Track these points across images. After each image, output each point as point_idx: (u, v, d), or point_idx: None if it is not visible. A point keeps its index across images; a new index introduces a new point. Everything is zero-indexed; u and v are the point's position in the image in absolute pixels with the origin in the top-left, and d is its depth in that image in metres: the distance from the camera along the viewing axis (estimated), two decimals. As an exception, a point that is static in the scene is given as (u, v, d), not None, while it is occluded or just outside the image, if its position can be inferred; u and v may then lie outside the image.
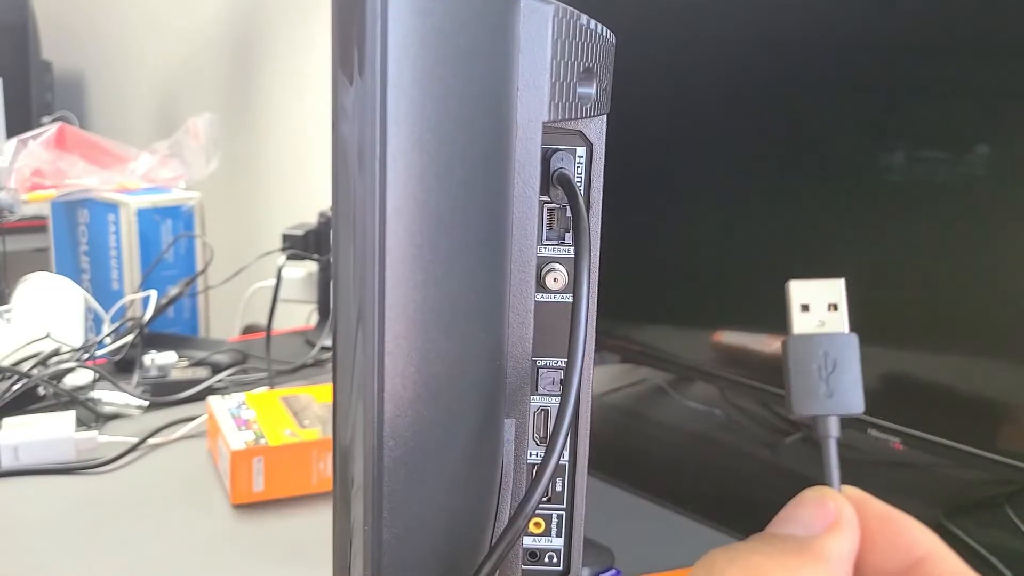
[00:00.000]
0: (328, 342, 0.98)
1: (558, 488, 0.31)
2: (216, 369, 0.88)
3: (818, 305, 0.23)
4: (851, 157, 0.57)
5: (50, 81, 2.13)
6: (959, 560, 0.20)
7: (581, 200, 0.28)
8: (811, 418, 0.23)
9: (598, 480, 0.68)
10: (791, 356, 0.23)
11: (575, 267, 0.27)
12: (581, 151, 0.29)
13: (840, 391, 0.22)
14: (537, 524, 0.31)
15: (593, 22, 0.28)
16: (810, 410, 0.23)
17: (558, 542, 0.31)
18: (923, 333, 0.55)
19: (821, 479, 0.23)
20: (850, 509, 0.21)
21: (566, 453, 0.30)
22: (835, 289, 0.23)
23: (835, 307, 0.23)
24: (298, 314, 1.11)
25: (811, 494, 0.21)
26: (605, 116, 0.29)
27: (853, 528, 0.20)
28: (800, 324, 0.23)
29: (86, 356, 0.86)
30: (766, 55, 0.61)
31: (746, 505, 0.65)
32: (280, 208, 1.68)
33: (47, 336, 0.85)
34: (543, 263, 0.29)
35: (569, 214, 0.29)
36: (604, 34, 0.29)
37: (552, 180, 0.29)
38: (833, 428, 0.22)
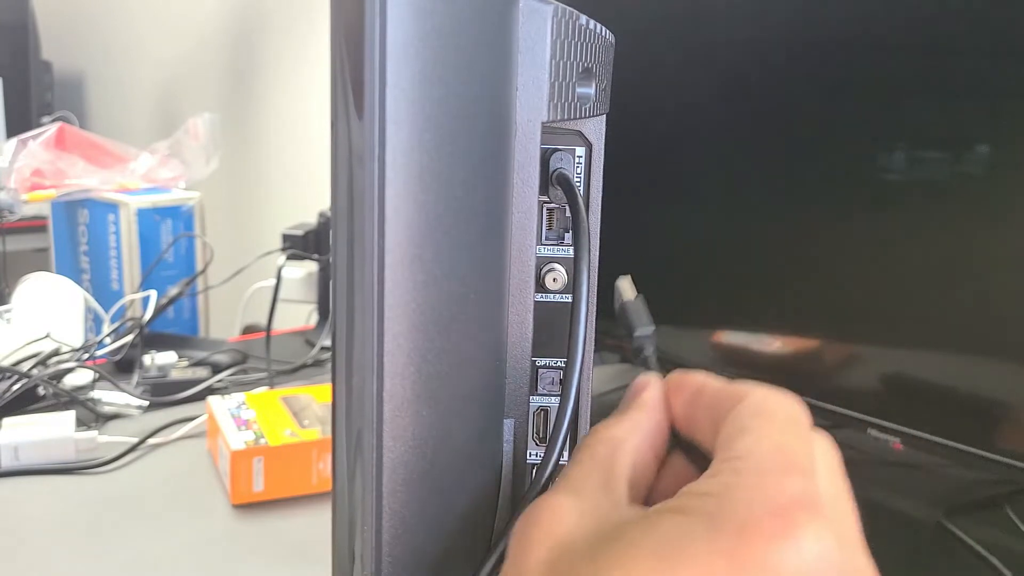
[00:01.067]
0: (328, 342, 0.98)
1: (558, 488, 0.30)
2: (216, 369, 0.88)
3: (621, 292, 0.32)
4: (851, 157, 0.57)
5: (50, 81, 2.13)
6: (720, 379, 0.26)
7: (580, 200, 0.28)
8: (633, 348, 0.31)
9: (598, 480, 0.68)
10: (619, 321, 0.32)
11: (575, 267, 0.27)
12: (580, 151, 0.29)
13: (632, 325, 0.31)
14: (537, 524, 0.31)
15: (592, 22, 0.28)
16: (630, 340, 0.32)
17: (558, 542, 0.31)
18: (923, 333, 0.55)
19: None
20: (656, 376, 0.28)
21: (566, 453, 0.30)
22: (626, 281, 0.32)
23: (628, 289, 0.32)
24: (298, 314, 1.11)
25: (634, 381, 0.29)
26: (604, 116, 0.29)
27: (658, 385, 0.27)
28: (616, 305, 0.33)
29: (86, 356, 0.86)
30: (766, 55, 0.61)
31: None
32: (280, 208, 1.68)
33: (47, 336, 0.86)
34: (542, 263, 0.29)
35: (568, 214, 0.29)
36: (603, 34, 0.29)
37: (551, 180, 0.29)
38: (646, 347, 0.30)
